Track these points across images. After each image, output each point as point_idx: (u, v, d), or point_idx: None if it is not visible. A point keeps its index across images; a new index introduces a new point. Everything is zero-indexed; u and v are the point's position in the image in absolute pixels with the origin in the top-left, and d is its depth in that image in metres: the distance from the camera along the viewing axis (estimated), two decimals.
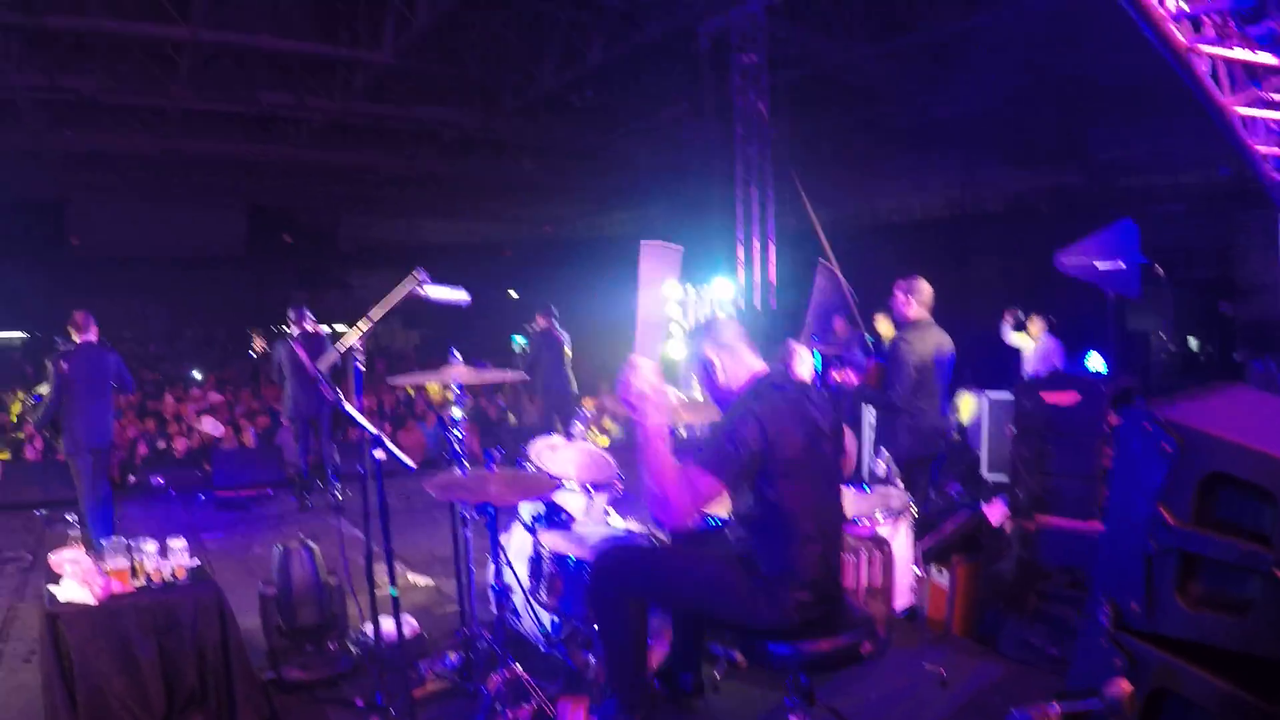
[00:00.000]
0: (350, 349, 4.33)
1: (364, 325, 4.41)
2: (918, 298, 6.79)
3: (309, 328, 10.71)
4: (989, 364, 12.18)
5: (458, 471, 4.55)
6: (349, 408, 4.34)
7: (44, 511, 10.30)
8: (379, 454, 4.21)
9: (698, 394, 6.06)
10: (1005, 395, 10.04)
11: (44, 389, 8.48)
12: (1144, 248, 8.68)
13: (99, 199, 25.87)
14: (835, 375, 7.64)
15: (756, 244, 13.13)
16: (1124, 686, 2.37)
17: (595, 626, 4.19)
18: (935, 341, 6.74)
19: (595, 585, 4.06)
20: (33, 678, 5.10)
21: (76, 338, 8.57)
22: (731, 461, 3.59)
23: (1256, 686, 2.35)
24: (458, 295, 4.73)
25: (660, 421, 3.69)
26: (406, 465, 4.40)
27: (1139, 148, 16.45)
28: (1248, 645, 2.38)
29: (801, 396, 3.91)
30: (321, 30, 14.43)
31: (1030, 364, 11.38)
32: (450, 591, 7.05)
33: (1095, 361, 10.81)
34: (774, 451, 3.63)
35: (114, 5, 13.09)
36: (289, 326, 10.54)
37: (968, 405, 10.59)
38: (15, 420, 15.63)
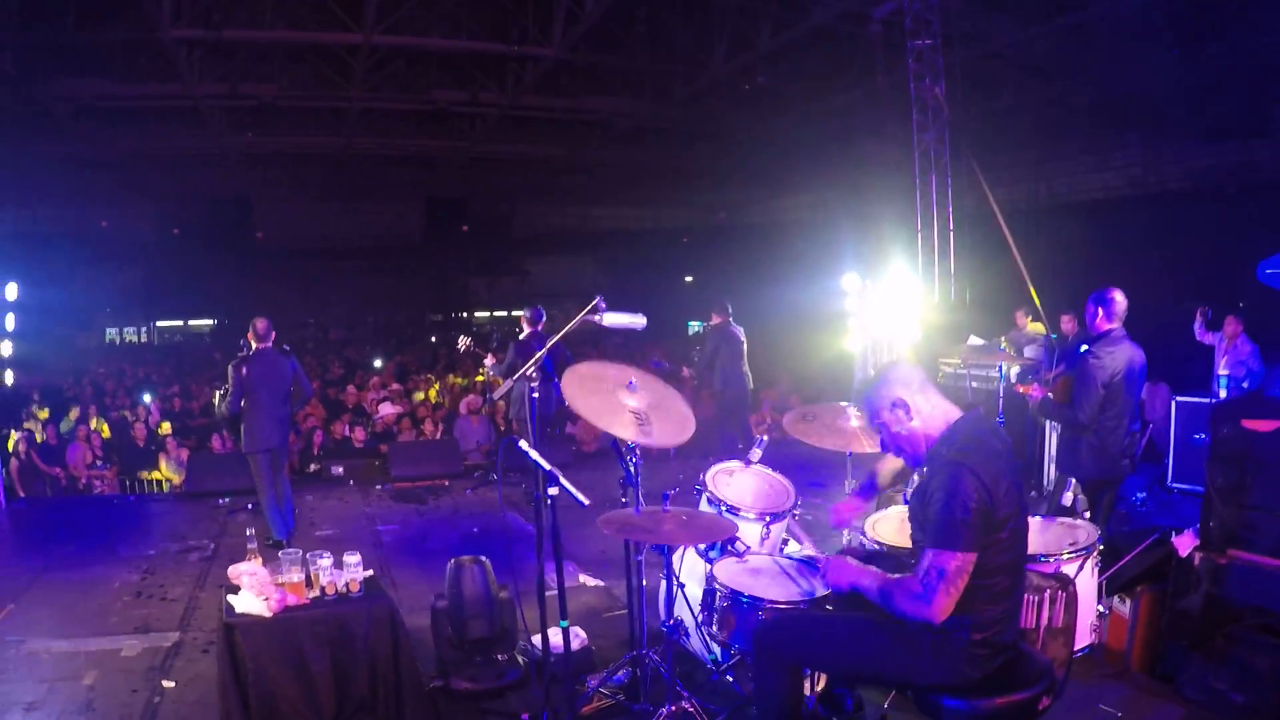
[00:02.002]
0: (527, 376, 4.33)
1: (539, 354, 4.43)
2: (1109, 309, 6.36)
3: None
4: (1174, 359, 11.59)
5: (632, 509, 4.51)
6: (524, 444, 4.32)
7: (226, 500, 10.77)
8: (553, 491, 4.21)
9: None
10: (1195, 399, 9.54)
11: (227, 387, 8.82)
12: None
13: (282, 195, 27.05)
14: (1020, 388, 7.29)
15: (936, 234, 12.75)
16: None
17: (754, 692, 4.05)
18: (1127, 356, 6.31)
19: (758, 656, 3.94)
20: (209, 668, 5.32)
21: (255, 344, 8.90)
22: (967, 528, 3.36)
23: None
24: (635, 320, 4.69)
25: (868, 583, 3.64)
26: (580, 502, 4.36)
27: None
28: None
29: (996, 433, 3.69)
30: (492, 28, 14.71)
31: (1223, 366, 10.76)
32: (619, 594, 7.09)
33: None
34: (994, 501, 3.39)
35: (290, 15, 13.62)
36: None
37: None
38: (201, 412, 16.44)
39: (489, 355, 10.12)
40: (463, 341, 10.49)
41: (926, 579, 3.40)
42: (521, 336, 10.19)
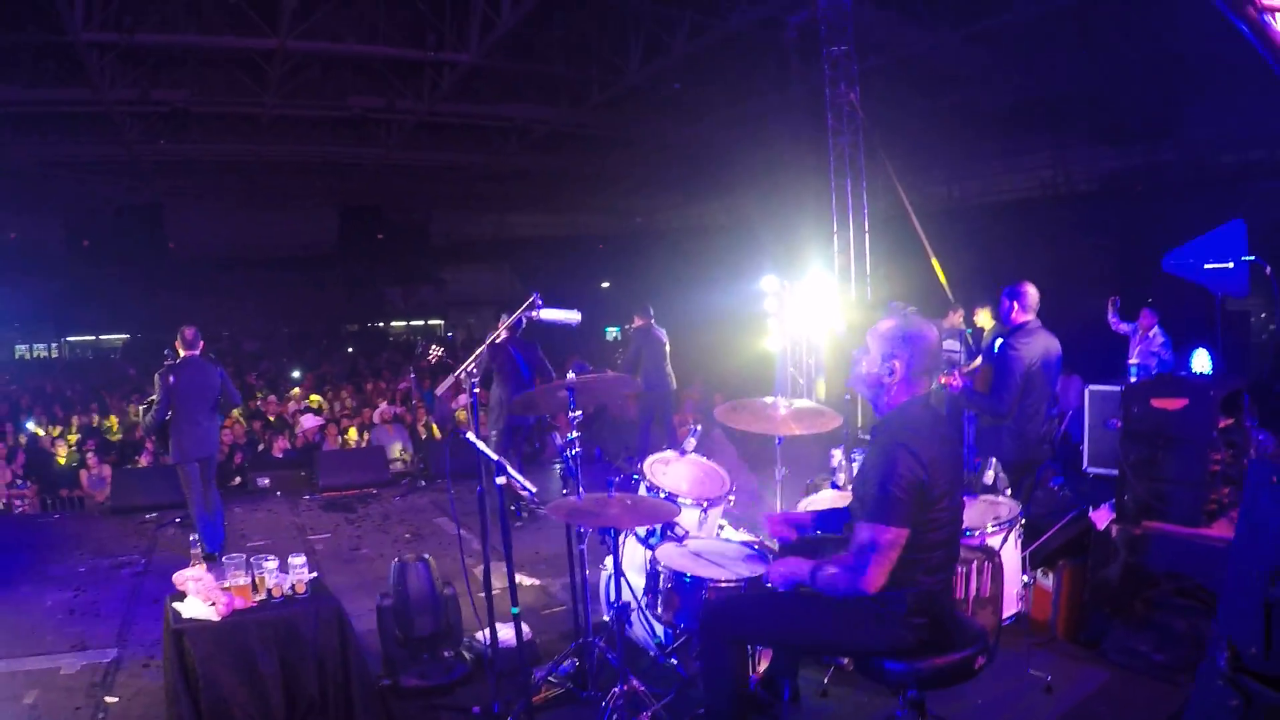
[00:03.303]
0: (468, 373, 4.41)
1: (477, 352, 4.53)
2: (1022, 302, 6.66)
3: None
4: (1087, 351, 11.98)
5: (575, 497, 4.62)
6: (470, 436, 4.42)
7: (154, 515, 10.64)
8: (501, 480, 4.31)
9: (803, 402, 6.04)
10: (1107, 387, 9.87)
11: (154, 398, 8.71)
12: (1250, 226, 8.43)
13: (195, 203, 26.57)
14: (941, 378, 7.52)
15: (851, 234, 13.01)
16: None
17: (701, 670, 4.18)
18: (1044, 346, 6.59)
19: (705, 635, 4.06)
20: (151, 683, 5.31)
21: (183, 352, 8.81)
22: (902, 505, 3.50)
23: None
24: (570, 316, 4.80)
25: (802, 570, 3.78)
26: (529, 492, 4.48)
27: (1235, 123, 15.98)
28: None
29: (940, 418, 3.87)
30: (408, 34, 14.63)
31: (1135, 355, 11.16)
32: (555, 591, 7.24)
33: (1201, 360, 10.56)
34: (930, 483, 3.54)
35: (204, 19, 13.42)
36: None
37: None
38: (117, 429, 16.13)
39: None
40: (434, 352, 10.13)
41: (860, 552, 3.56)
42: (498, 341, 9.88)
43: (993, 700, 4.83)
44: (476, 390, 4.46)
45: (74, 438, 15.27)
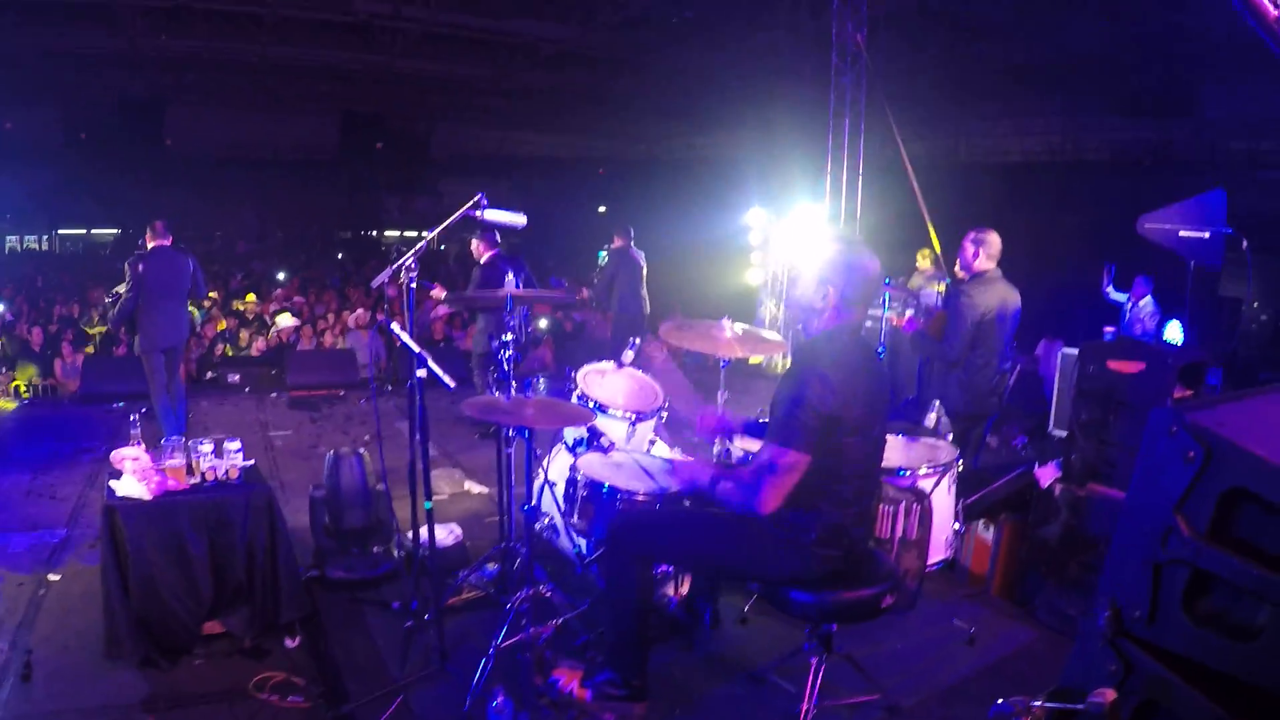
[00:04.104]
0: (405, 267, 4.38)
1: (419, 244, 4.48)
2: (986, 250, 6.50)
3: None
4: (1076, 316, 11.95)
5: (499, 394, 4.60)
6: (395, 326, 4.40)
7: (121, 405, 10.67)
8: (421, 373, 4.31)
9: (766, 333, 5.99)
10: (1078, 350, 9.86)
11: (121, 288, 8.67)
12: (1247, 214, 8.31)
13: (195, 102, 26.15)
14: (892, 318, 7.45)
15: (845, 175, 12.90)
16: (1108, 696, 2.33)
17: (604, 585, 4.17)
18: (1000, 296, 6.46)
19: (610, 548, 4.02)
20: (95, 563, 5.33)
21: (152, 242, 8.78)
22: (807, 431, 3.44)
23: (1249, 717, 2.28)
24: (515, 219, 4.75)
25: (703, 476, 3.73)
26: (446, 384, 4.50)
27: (1249, 108, 15.80)
28: (1249, 674, 2.26)
29: (869, 352, 3.81)
30: None
31: (1127, 324, 11.13)
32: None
33: (1174, 331, 10.52)
34: (842, 413, 3.48)
35: None
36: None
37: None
38: (96, 323, 16.13)
39: (435, 285, 9.50)
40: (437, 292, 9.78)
41: (758, 471, 3.51)
42: (484, 260, 9.56)
43: (912, 646, 4.80)
44: (414, 286, 4.42)
45: (52, 329, 15.26)
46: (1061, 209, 17.83)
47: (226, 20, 18.01)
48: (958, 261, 6.74)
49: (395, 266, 4.37)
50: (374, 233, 34.69)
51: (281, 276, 22.78)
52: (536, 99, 24.99)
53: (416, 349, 4.26)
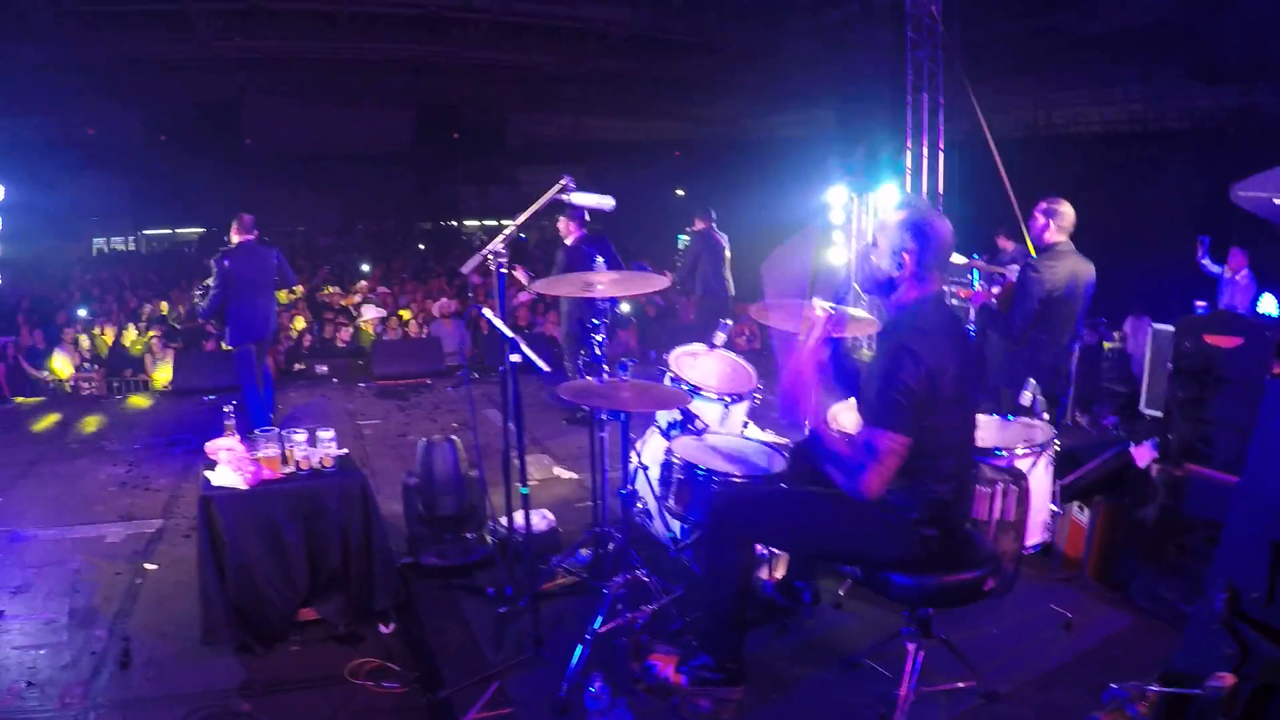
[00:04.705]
0: (494, 253, 4.37)
1: (507, 230, 4.48)
2: (1058, 221, 6.20)
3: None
4: (1164, 291, 11.64)
5: (592, 377, 4.59)
6: (487, 311, 4.40)
7: (211, 398, 10.90)
8: (515, 358, 4.30)
9: (854, 311, 5.88)
10: (1170, 327, 9.60)
11: (210, 282, 8.81)
12: None
13: (271, 100, 26.59)
14: (959, 291, 7.23)
15: (925, 152, 12.70)
16: (1227, 680, 2.23)
17: (704, 567, 4.12)
18: (1070, 269, 6.15)
19: (710, 530, 3.98)
20: (190, 551, 5.43)
21: (238, 237, 8.92)
22: (902, 410, 3.37)
23: None
24: (604, 201, 4.71)
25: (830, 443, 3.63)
26: (540, 368, 4.49)
27: None
28: None
29: (956, 322, 3.71)
30: None
31: (1224, 298, 10.81)
32: (591, 486, 7.25)
33: (1269, 304, 10.19)
34: (935, 389, 3.41)
35: None
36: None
37: None
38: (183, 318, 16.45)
39: (517, 268, 9.10)
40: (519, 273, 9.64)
41: (858, 456, 3.45)
42: (569, 242, 9.49)
43: (1008, 629, 4.70)
44: (503, 271, 4.42)
45: (132, 334, 15.60)
46: (1145, 180, 17.35)
47: (299, 19, 18.27)
48: (1029, 234, 6.52)
49: (483, 253, 4.37)
50: (453, 222, 35.00)
51: (366, 268, 23.04)
52: (609, 84, 24.98)
53: (510, 334, 4.25)
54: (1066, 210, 6.25)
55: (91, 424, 10.22)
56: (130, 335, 15.15)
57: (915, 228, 3.59)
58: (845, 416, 5.02)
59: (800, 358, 3.67)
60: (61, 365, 13.99)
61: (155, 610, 5.30)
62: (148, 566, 5.94)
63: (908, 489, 3.55)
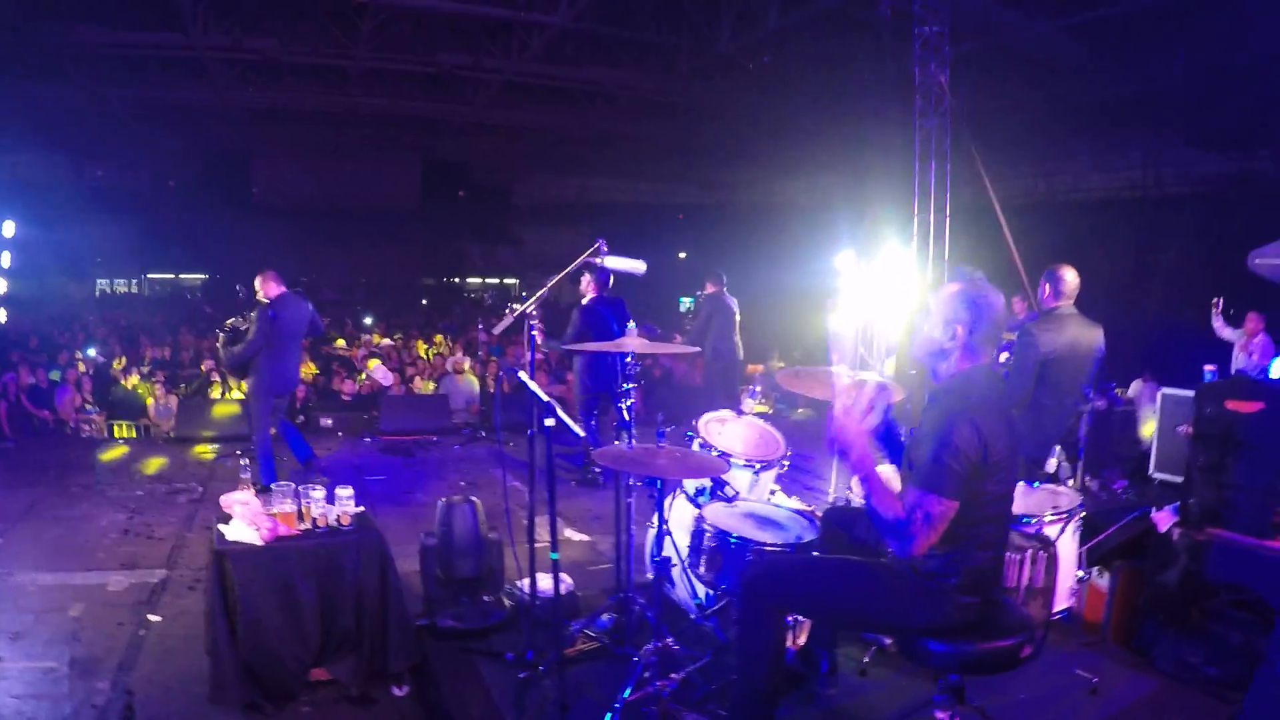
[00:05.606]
0: (525, 314, 4.36)
1: (539, 292, 4.48)
2: (1058, 286, 6.27)
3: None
4: (1168, 355, 11.65)
5: (625, 445, 4.55)
6: (523, 375, 4.37)
7: (216, 447, 10.78)
8: (549, 422, 4.22)
9: (868, 373, 5.89)
10: (1179, 392, 9.60)
11: (234, 322, 8.75)
12: None
13: (281, 153, 26.90)
14: None
15: (932, 218, 12.77)
16: None
17: (737, 636, 4.01)
18: (1072, 334, 6.20)
19: (746, 599, 3.91)
20: (195, 604, 5.38)
21: (275, 290, 8.86)
22: (955, 477, 3.35)
23: None
24: (635, 265, 4.72)
25: (868, 461, 3.55)
26: (576, 434, 4.43)
27: None
28: None
29: (1002, 394, 3.70)
30: None
31: (1238, 362, 10.81)
32: (604, 549, 7.19)
33: (1279, 369, 10.19)
34: (986, 456, 3.39)
35: None
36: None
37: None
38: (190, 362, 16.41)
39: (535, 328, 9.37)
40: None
41: (911, 518, 3.40)
42: (586, 301, 9.57)
43: (1035, 696, 4.65)
44: (535, 332, 4.40)
45: (134, 379, 15.55)
46: (1146, 244, 17.48)
47: (312, 73, 18.42)
48: (1035, 299, 6.55)
49: (516, 314, 4.36)
50: (456, 279, 35.15)
51: (369, 322, 23.09)
52: (616, 147, 25.13)
53: (545, 397, 4.21)
54: (1067, 275, 6.31)
55: (93, 466, 10.22)
56: (133, 380, 15.08)
57: (970, 301, 3.60)
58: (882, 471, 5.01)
59: (848, 427, 3.63)
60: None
61: (160, 664, 5.19)
62: (151, 618, 5.83)
63: (949, 555, 3.52)
